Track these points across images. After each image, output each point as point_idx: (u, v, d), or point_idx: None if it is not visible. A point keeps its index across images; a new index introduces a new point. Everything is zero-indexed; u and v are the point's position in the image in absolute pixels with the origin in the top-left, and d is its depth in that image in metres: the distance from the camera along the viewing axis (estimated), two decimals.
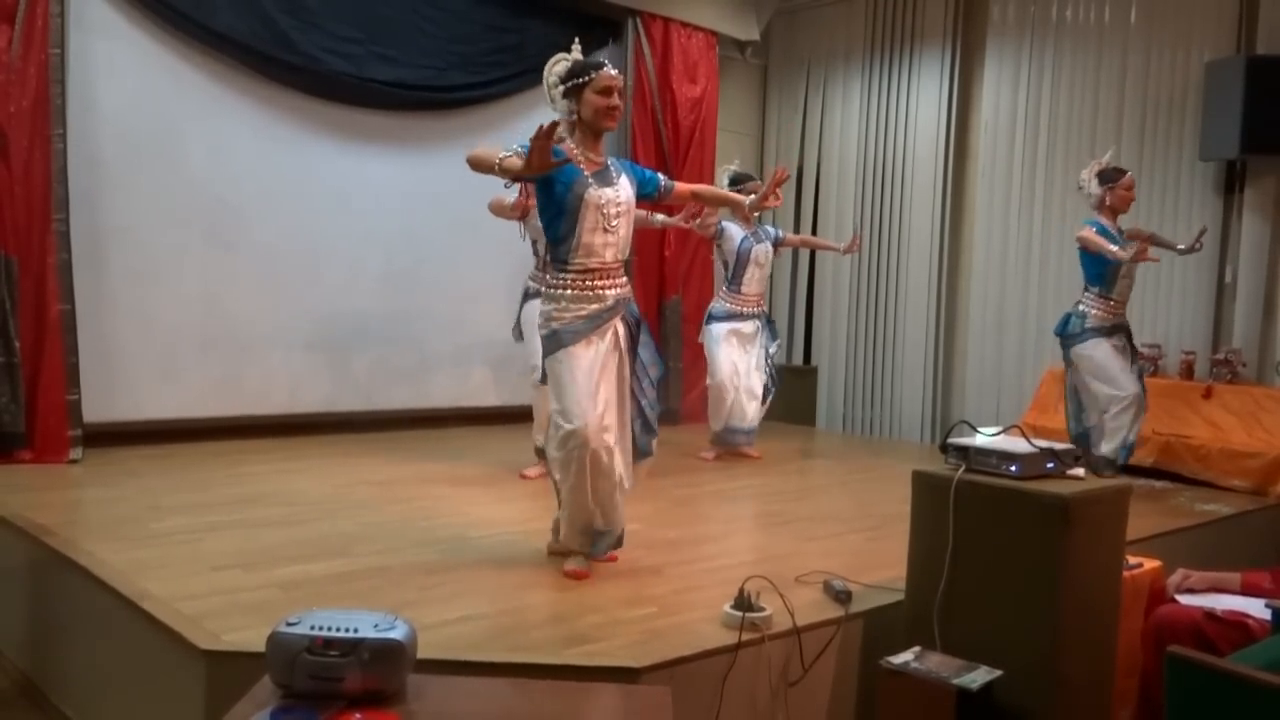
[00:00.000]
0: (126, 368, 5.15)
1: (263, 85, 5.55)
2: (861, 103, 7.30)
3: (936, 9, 6.90)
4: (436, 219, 6.08)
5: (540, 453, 4.63)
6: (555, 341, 3.20)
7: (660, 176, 3.56)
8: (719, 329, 5.57)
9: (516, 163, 2.97)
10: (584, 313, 3.20)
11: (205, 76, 5.37)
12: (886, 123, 7.17)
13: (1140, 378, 4.98)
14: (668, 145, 6.80)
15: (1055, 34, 6.43)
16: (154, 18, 5.18)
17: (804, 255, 7.66)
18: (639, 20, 6.71)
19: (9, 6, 4.58)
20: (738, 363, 5.53)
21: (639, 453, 3.36)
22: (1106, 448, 4.95)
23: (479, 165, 3.06)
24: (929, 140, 6.94)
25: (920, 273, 6.99)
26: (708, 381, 5.60)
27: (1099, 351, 4.88)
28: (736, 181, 5.57)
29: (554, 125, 2.91)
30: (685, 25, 6.91)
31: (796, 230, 7.49)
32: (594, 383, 3.16)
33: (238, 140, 5.47)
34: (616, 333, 3.28)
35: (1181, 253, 5.16)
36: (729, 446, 5.56)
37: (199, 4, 5.21)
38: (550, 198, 3.23)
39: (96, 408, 4.89)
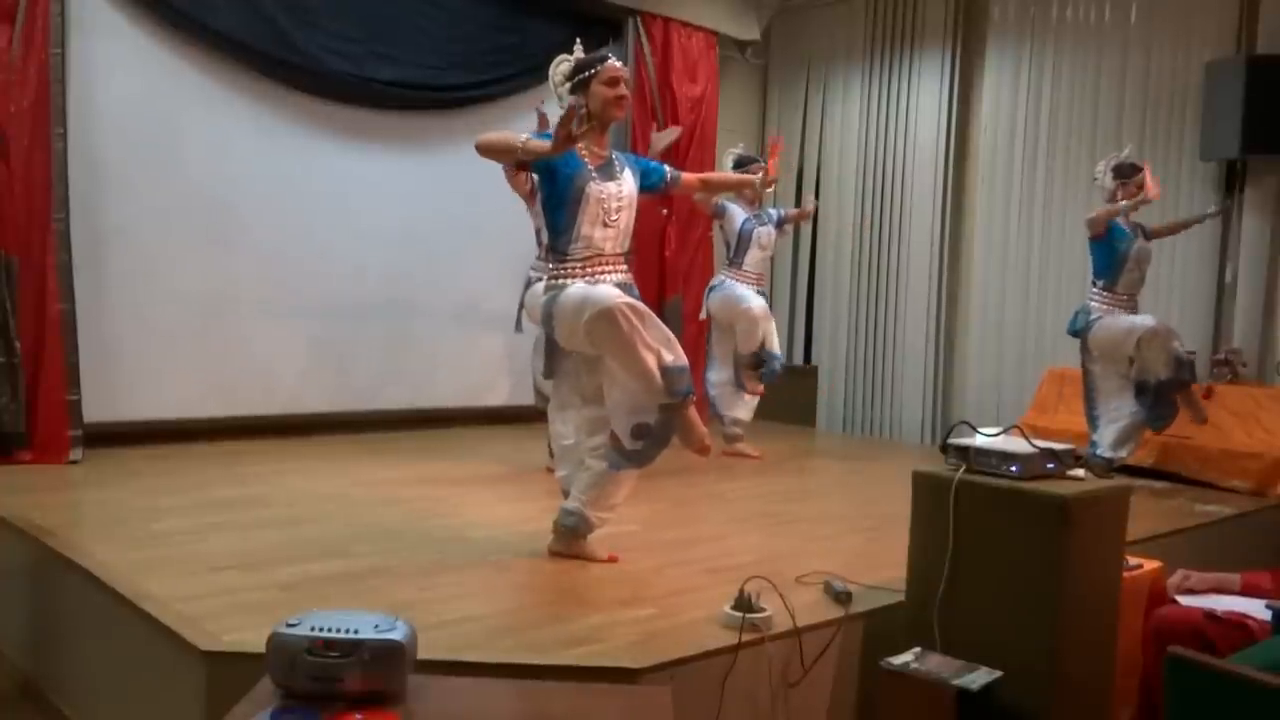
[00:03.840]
0: (126, 368, 5.15)
1: (263, 84, 5.55)
2: (861, 103, 7.31)
3: (936, 9, 6.90)
4: (437, 219, 6.08)
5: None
6: (555, 291, 3.24)
7: (666, 168, 3.59)
8: (728, 284, 5.59)
9: (543, 145, 3.07)
10: None
11: (205, 76, 5.37)
12: (886, 123, 7.17)
13: None
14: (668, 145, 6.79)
15: (1055, 34, 6.44)
16: (154, 17, 5.17)
17: (804, 256, 7.67)
18: (639, 20, 6.71)
19: (9, 6, 4.58)
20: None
21: None
22: (1107, 446, 4.96)
23: (497, 148, 3.14)
24: (929, 140, 6.94)
25: (920, 273, 6.99)
26: (742, 307, 5.49)
27: (1109, 327, 4.89)
28: (741, 164, 5.59)
29: (573, 110, 3.01)
30: (685, 25, 6.91)
31: (796, 230, 7.52)
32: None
33: (238, 140, 5.47)
34: None
35: (1202, 219, 5.16)
36: (769, 374, 5.56)
37: (199, 3, 5.21)
38: (553, 189, 3.27)
39: (96, 408, 4.88)
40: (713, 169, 6.43)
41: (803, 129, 7.65)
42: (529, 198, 4.79)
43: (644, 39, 6.73)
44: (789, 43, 7.73)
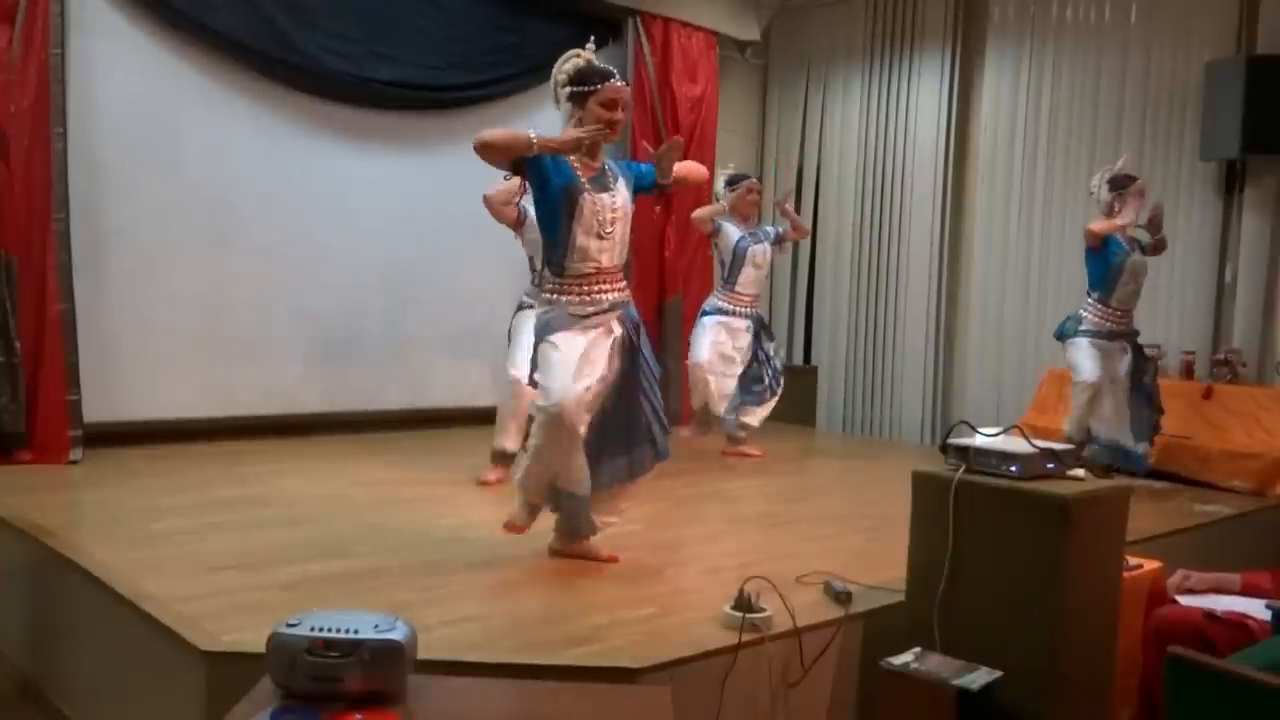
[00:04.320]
0: (126, 368, 5.15)
1: (262, 85, 5.55)
2: (861, 103, 7.31)
3: (936, 9, 6.90)
4: (436, 219, 6.07)
5: (498, 456, 4.65)
6: (547, 329, 3.22)
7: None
8: (710, 319, 5.59)
9: (554, 140, 3.09)
10: (581, 314, 3.23)
11: (205, 76, 5.37)
12: (886, 123, 7.17)
13: (1145, 394, 4.95)
14: None
15: (1055, 34, 6.44)
16: (154, 17, 5.17)
17: (804, 256, 7.66)
18: (639, 20, 6.71)
19: (9, 6, 4.58)
20: (722, 351, 5.52)
21: (658, 454, 3.36)
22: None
23: (508, 145, 3.08)
24: (929, 140, 6.94)
25: (920, 273, 6.99)
26: (686, 362, 5.61)
27: (1079, 348, 4.90)
28: (732, 182, 5.61)
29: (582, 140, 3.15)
30: (685, 25, 6.91)
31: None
32: (578, 363, 3.17)
33: (237, 140, 5.47)
34: (612, 332, 3.28)
35: (1156, 218, 4.97)
36: (709, 429, 5.57)
37: (199, 3, 5.21)
38: (546, 199, 3.23)
39: (96, 408, 4.88)
40: (712, 170, 6.43)
41: (803, 129, 7.64)
42: (516, 227, 4.78)
43: (644, 39, 6.73)
44: (789, 43, 7.73)
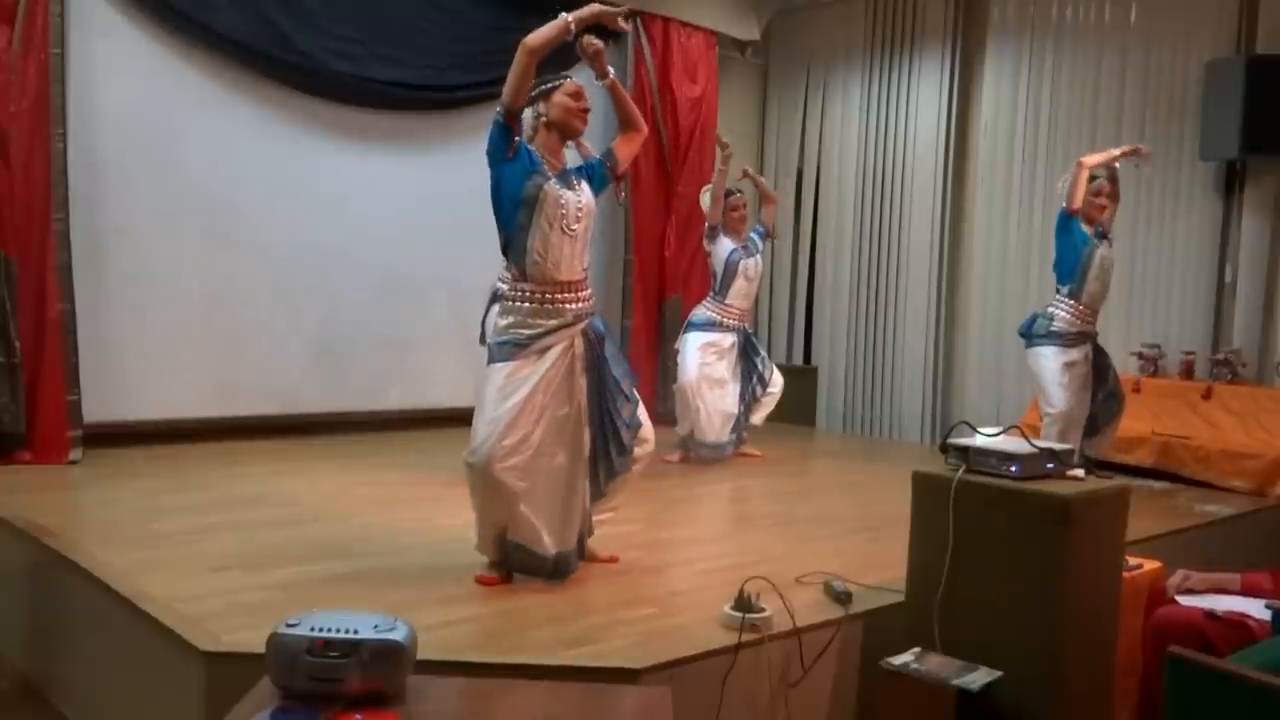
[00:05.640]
0: (126, 368, 5.15)
1: (263, 85, 5.54)
2: (861, 103, 7.31)
3: (936, 9, 6.90)
4: (437, 219, 6.07)
5: None
6: (500, 352, 3.12)
7: (599, 155, 3.43)
8: (695, 336, 5.51)
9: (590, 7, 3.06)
10: (541, 329, 3.11)
11: (205, 76, 5.36)
12: (886, 122, 7.17)
13: (1110, 397, 4.82)
14: (668, 145, 6.80)
15: (1055, 34, 6.44)
16: (154, 18, 5.17)
17: (804, 256, 7.66)
18: (639, 20, 6.71)
19: (9, 7, 4.58)
20: (710, 375, 5.43)
21: (612, 473, 3.30)
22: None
23: (555, 31, 3.07)
24: (929, 140, 6.94)
25: (920, 273, 6.99)
26: (675, 385, 5.55)
27: (1048, 361, 4.67)
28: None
29: None
30: (685, 25, 6.91)
31: (796, 233, 7.55)
32: (516, 409, 3.04)
33: (238, 140, 5.47)
34: (574, 351, 3.17)
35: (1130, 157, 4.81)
36: (695, 455, 5.42)
37: (200, 4, 5.20)
38: (510, 185, 3.13)
39: (96, 408, 4.88)
40: (711, 170, 6.42)
41: (802, 129, 7.64)
42: None
43: (644, 39, 6.73)
44: (789, 43, 7.73)
